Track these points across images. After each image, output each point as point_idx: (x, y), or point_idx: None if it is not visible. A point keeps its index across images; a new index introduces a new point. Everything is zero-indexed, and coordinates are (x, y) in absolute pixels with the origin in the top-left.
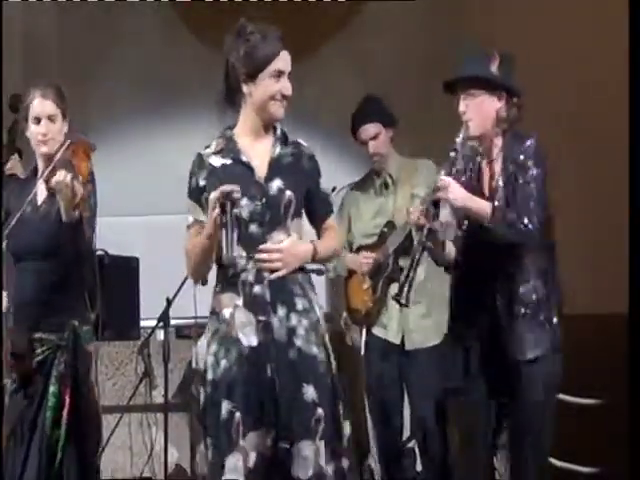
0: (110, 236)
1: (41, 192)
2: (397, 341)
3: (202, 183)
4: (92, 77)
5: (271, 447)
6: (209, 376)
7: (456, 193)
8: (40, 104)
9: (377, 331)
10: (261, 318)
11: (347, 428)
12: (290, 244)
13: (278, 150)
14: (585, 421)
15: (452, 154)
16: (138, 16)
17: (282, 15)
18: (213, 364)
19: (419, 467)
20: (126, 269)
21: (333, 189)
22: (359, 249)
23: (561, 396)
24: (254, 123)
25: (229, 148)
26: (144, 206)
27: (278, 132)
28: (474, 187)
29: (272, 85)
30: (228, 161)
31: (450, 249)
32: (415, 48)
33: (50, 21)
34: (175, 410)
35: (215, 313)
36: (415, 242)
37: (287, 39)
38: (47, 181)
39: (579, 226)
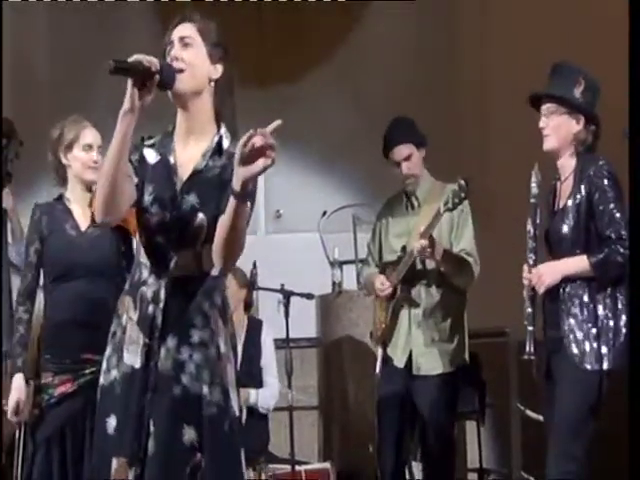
0: None
1: (79, 216)
2: (401, 365)
3: (133, 158)
4: (85, 83)
5: None
6: (100, 379)
7: (550, 276)
8: (93, 133)
9: (390, 352)
10: (147, 341)
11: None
12: None
13: (206, 161)
14: None
15: (532, 200)
16: (132, 18)
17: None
18: (105, 370)
19: None
20: None
21: (324, 213)
22: (385, 265)
23: None
24: (188, 125)
25: (163, 144)
26: None
27: (215, 139)
28: (548, 205)
29: None
30: (157, 157)
31: (475, 270)
32: (401, 73)
33: (41, 24)
34: None
35: (117, 315)
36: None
37: (274, 62)
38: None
39: None
